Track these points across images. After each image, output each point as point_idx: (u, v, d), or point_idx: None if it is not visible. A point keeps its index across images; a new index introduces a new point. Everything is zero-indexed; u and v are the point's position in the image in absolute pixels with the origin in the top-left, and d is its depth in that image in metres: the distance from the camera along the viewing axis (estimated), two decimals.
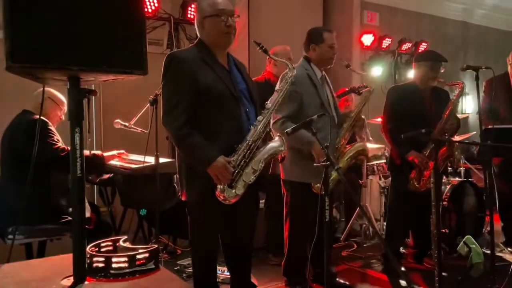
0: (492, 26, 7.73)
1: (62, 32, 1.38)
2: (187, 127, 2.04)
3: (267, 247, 3.56)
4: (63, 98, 2.92)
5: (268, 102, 2.21)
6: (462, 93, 3.12)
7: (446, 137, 3.11)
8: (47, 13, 1.36)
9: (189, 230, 2.29)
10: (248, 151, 2.07)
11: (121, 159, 3.21)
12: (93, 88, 1.79)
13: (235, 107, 2.14)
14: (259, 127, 2.11)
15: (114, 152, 3.16)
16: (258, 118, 2.14)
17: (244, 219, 2.29)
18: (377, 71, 6.01)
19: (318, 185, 2.65)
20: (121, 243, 1.77)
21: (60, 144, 2.76)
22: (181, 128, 2.04)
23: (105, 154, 3.06)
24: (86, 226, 2.42)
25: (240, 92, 2.19)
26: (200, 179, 2.08)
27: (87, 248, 1.67)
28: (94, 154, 2.96)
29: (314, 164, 2.59)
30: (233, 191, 2.04)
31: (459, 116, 5.04)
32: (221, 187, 2.04)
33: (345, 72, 2.89)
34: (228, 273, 2.76)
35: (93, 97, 1.66)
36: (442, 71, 3.19)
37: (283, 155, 2.21)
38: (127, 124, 3.35)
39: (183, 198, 2.21)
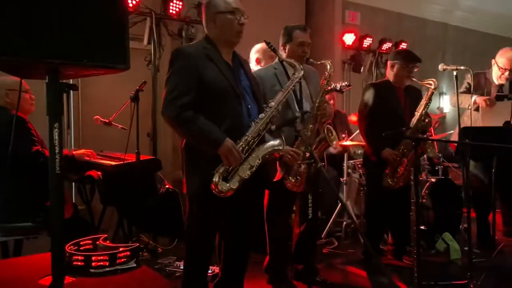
0: (470, 28, 7.91)
1: (42, 25, 1.34)
2: (191, 112, 2.04)
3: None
4: (16, 79, 2.81)
5: (271, 100, 2.22)
6: (434, 91, 3.18)
7: (424, 135, 3.18)
8: (27, 5, 1.32)
9: (187, 224, 2.25)
10: (247, 147, 2.09)
11: (101, 157, 3.16)
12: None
13: (237, 104, 2.16)
14: (260, 124, 2.13)
15: (83, 150, 3.10)
16: (260, 115, 2.16)
17: (246, 216, 2.29)
18: (358, 70, 6.08)
19: (291, 178, 2.66)
20: (101, 241, 1.74)
21: (40, 146, 2.69)
22: (184, 112, 2.03)
23: (74, 152, 3.00)
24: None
25: (243, 89, 2.22)
26: (201, 170, 2.08)
27: (66, 247, 1.63)
28: (65, 155, 2.88)
29: (299, 162, 2.61)
30: (228, 184, 2.05)
31: (437, 115, 5.18)
32: (216, 180, 2.04)
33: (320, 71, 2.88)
34: (211, 272, 2.75)
35: (72, 92, 1.62)
36: (415, 70, 3.25)
37: (281, 154, 2.22)
38: (107, 120, 3.29)
39: (184, 191, 2.20)
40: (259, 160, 2.11)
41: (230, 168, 2.06)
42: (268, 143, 2.16)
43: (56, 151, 1.49)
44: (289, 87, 2.28)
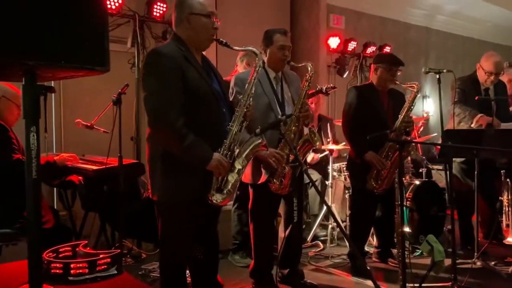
0: (452, 32, 8.04)
1: (17, 24, 1.29)
2: (185, 127, 2.00)
3: (234, 249, 3.53)
4: (17, 92, 2.74)
5: (240, 96, 2.20)
6: (417, 94, 3.21)
7: (408, 138, 3.20)
8: (1, 3, 1.27)
9: (164, 233, 2.17)
10: (229, 152, 2.09)
11: (82, 161, 3.10)
12: (52, 85, 1.69)
13: (217, 107, 2.14)
14: (235, 126, 2.11)
15: (64, 155, 3.03)
16: (233, 117, 2.14)
17: (214, 218, 2.31)
18: (343, 73, 6.12)
19: (275, 181, 2.65)
20: (81, 248, 1.70)
21: (20, 154, 2.62)
22: (182, 128, 1.99)
23: (56, 158, 2.93)
24: (44, 226, 2.31)
25: (217, 93, 2.18)
26: (188, 180, 2.04)
27: (44, 254, 1.58)
28: (46, 161, 2.83)
29: (283, 164, 2.60)
30: (223, 194, 2.07)
31: (421, 118, 5.24)
32: (211, 192, 2.06)
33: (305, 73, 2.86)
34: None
35: (53, 95, 1.57)
36: (398, 74, 3.27)
37: (263, 144, 2.21)
38: (89, 124, 3.23)
39: (155, 199, 2.14)
40: (245, 160, 2.12)
41: (220, 178, 2.07)
42: (248, 141, 2.15)
43: (33, 156, 1.44)
44: (253, 76, 2.24)
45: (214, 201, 2.06)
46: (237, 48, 2.30)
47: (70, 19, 1.39)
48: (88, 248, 1.73)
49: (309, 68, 2.76)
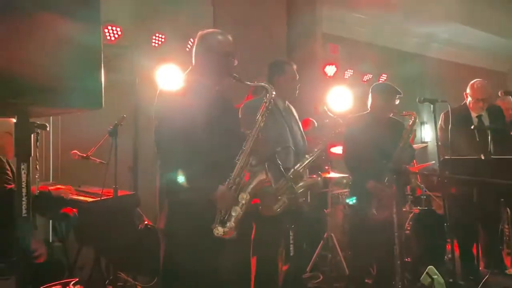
0: (447, 59, 8.15)
1: (10, 66, 1.30)
2: (191, 158, 2.02)
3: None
4: None
5: (249, 130, 2.20)
6: (415, 123, 3.22)
7: (405, 166, 3.19)
8: None
9: (167, 262, 2.14)
10: (234, 186, 2.10)
11: (77, 192, 3.08)
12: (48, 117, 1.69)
13: (227, 140, 2.15)
14: (241, 160, 2.12)
15: (60, 186, 3.02)
16: (241, 150, 2.14)
17: (219, 252, 2.26)
18: (340, 101, 6.15)
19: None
20: (71, 287, 1.66)
21: (14, 184, 2.62)
22: (187, 159, 2.01)
23: (51, 188, 2.92)
24: (36, 261, 2.27)
25: (227, 124, 2.20)
26: (196, 211, 2.04)
27: None
28: (40, 191, 2.82)
29: (280, 197, 2.58)
30: (226, 227, 2.06)
31: (419, 145, 5.23)
32: (214, 225, 2.07)
33: (304, 102, 2.88)
34: None
35: (51, 124, 1.58)
36: (396, 103, 3.29)
37: (267, 180, 2.22)
38: (85, 155, 3.22)
39: (161, 226, 2.13)
40: (247, 195, 2.11)
41: (224, 211, 2.07)
42: (253, 176, 2.16)
43: (24, 194, 1.43)
44: (264, 110, 2.23)
45: (216, 234, 2.06)
46: (249, 83, 2.33)
47: (64, 58, 1.40)
48: (79, 286, 1.69)
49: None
